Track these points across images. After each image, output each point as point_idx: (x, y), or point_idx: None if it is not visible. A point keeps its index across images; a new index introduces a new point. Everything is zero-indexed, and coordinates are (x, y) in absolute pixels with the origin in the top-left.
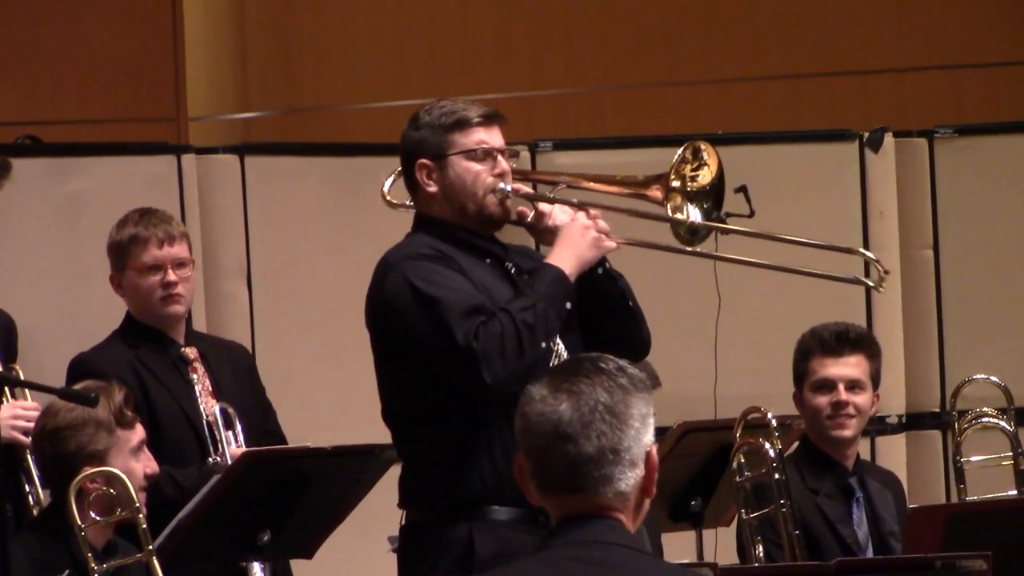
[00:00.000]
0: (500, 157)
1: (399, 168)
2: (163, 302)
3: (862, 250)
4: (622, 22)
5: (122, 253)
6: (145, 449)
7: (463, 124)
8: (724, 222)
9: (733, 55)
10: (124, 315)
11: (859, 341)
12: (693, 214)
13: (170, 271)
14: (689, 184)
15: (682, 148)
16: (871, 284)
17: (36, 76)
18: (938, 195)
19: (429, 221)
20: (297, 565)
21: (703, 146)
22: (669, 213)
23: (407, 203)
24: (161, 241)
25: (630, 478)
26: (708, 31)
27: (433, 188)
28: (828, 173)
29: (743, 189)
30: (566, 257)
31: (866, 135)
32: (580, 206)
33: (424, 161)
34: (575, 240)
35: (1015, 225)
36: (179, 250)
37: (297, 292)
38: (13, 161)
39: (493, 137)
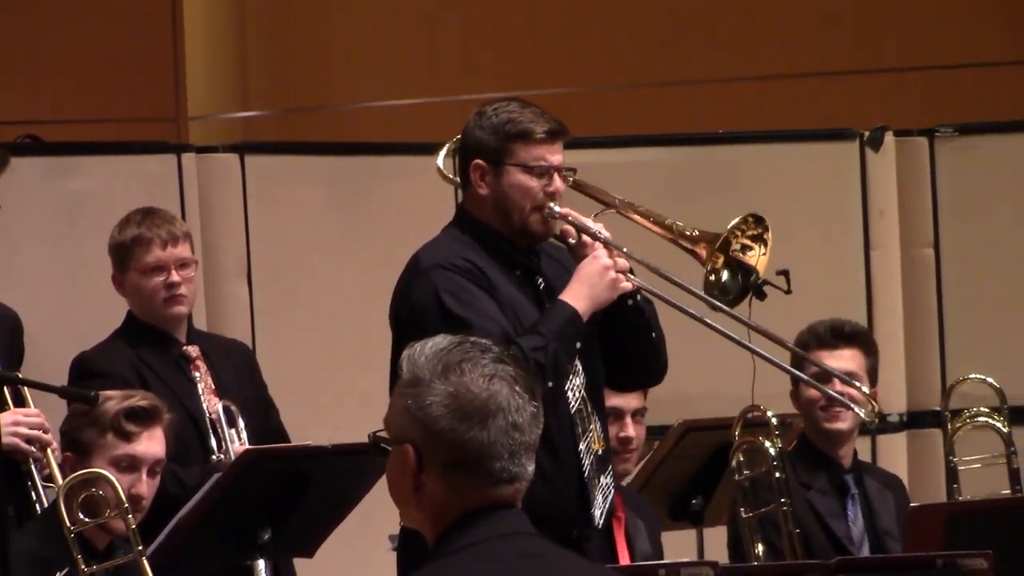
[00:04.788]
0: (556, 176)
1: (456, 139)
2: (166, 303)
3: (859, 384)
4: (623, 22)
5: (125, 254)
6: (143, 473)
7: (526, 136)
8: (761, 290)
9: (733, 55)
10: (125, 314)
11: (854, 335)
12: (724, 276)
13: (173, 272)
14: (735, 252)
15: (745, 214)
16: (866, 420)
17: (36, 76)
18: (938, 194)
19: (470, 220)
20: (298, 564)
21: (767, 222)
22: (707, 276)
23: (458, 180)
24: (165, 242)
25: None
26: (708, 31)
27: (484, 191)
28: (828, 173)
29: (785, 273)
30: (581, 296)
31: (866, 134)
32: (605, 243)
33: (480, 162)
34: (592, 280)
35: (1015, 224)
36: (182, 251)
37: (297, 291)
38: (13, 160)
39: (553, 154)
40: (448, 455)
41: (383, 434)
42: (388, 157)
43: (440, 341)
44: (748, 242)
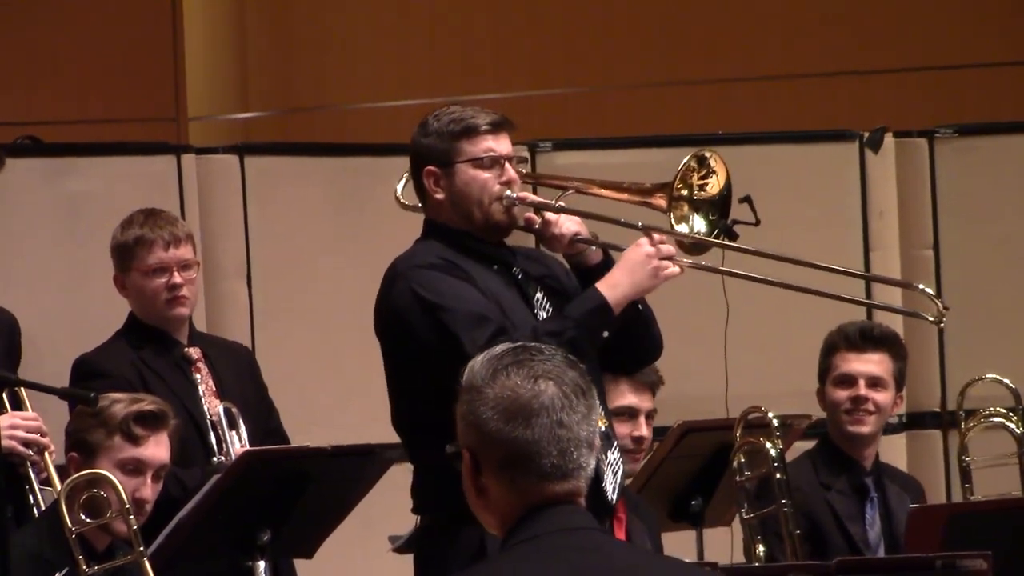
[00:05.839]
0: (507, 164)
1: (410, 170)
2: (168, 304)
3: (921, 286)
4: (622, 22)
5: (127, 254)
6: (148, 477)
7: (471, 132)
8: (731, 230)
9: (733, 55)
10: (126, 315)
11: (883, 339)
12: (698, 224)
13: (175, 273)
14: (696, 193)
15: (687, 157)
16: (931, 319)
17: (36, 76)
18: (938, 195)
19: (437, 228)
20: (298, 565)
21: (709, 154)
22: (673, 223)
23: (419, 205)
24: (167, 243)
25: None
26: (708, 31)
27: (440, 195)
28: (828, 173)
29: (747, 199)
30: (620, 284)
31: (866, 135)
32: (645, 230)
33: (432, 168)
34: (634, 268)
35: (1015, 225)
36: (184, 252)
37: (297, 292)
38: (12, 161)
39: (501, 144)
40: (498, 455)
41: None
42: (388, 158)
43: (497, 349)
44: (703, 181)
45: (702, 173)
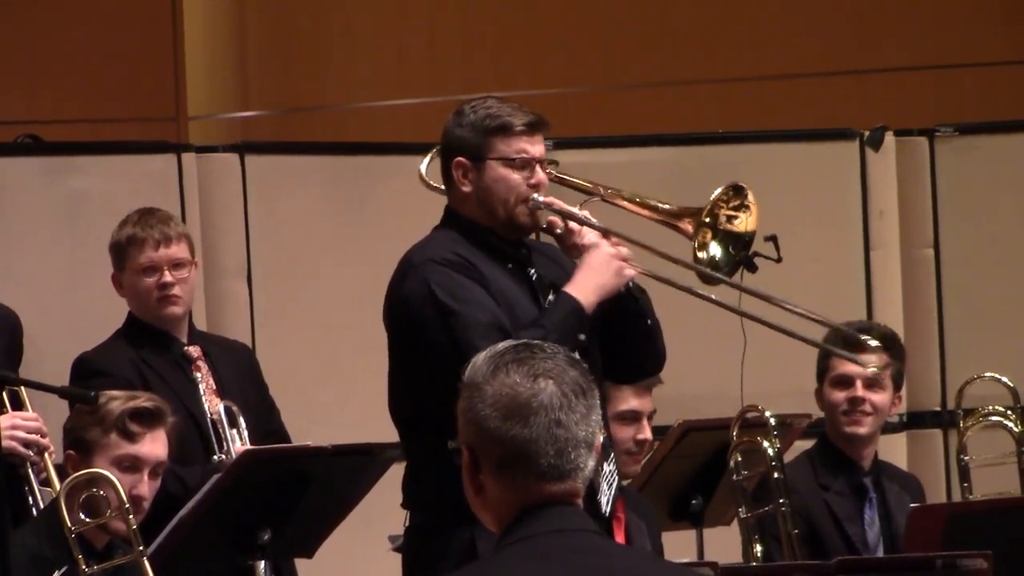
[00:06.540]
0: (538, 167)
1: (436, 148)
2: (159, 303)
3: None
4: (622, 22)
5: (121, 253)
6: (144, 474)
7: (506, 130)
8: (752, 261)
9: (733, 55)
10: (125, 314)
11: (881, 339)
12: (715, 251)
13: (166, 272)
14: (722, 224)
15: (724, 186)
16: (867, 370)
17: (36, 76)
18: (938, 194)
19: (457, 219)
20: (298, 564)
21: (747, 189)
22: (695, 250)
23: (442, 187)
24: (157, 242)
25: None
26: (708, 31)
27: (467, 188)
28: (828, 172)
29: (773, 238)
30: (588, 286)
31: (866, 134)
32: (604, 231)
33: (462, 160)
34: (599, 269)
35: (1015, 224)
36: (176, 251)
37: (297, 292)
38: (13, 160)
39: (534, 146)
40: (496, 453)
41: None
42: (388, 157)
43: (499, 346)
44: (732, 212)
45: (735, 204)
